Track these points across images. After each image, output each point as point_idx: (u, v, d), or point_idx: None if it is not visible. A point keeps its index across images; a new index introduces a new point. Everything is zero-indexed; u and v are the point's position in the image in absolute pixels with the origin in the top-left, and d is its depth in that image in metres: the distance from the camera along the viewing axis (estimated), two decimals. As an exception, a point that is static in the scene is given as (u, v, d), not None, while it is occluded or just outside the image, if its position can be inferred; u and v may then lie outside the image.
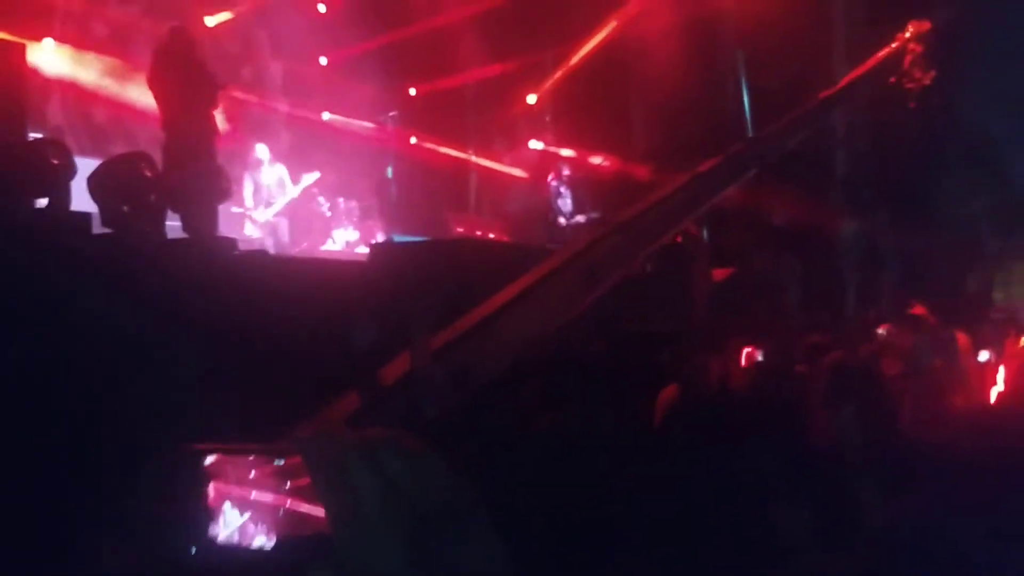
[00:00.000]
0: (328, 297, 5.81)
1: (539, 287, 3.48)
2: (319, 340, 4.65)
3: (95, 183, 6.66)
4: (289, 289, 5.98)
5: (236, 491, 1.67)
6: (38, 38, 10.15)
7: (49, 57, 10.46)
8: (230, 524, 1.69)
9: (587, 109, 12.99)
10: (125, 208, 6.88)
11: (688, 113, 11.40)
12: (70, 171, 6.73)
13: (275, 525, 1.65)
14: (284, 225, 10.87)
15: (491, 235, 12.70)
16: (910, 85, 8.05)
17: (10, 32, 8.39)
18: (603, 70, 12.92)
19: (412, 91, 14.09)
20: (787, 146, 6.15)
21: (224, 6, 12.05)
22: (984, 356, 5.86)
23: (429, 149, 14.01)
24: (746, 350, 7.30)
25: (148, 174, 6.93)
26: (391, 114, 12.40)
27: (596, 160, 12.95)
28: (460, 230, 12.78)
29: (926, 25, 8.18)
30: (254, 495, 1.65)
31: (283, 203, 10.79)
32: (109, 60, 10.98)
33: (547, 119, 14.19)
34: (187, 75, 7.49)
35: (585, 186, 11.60)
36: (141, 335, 4.80)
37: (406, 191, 13.18)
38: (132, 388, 4.43)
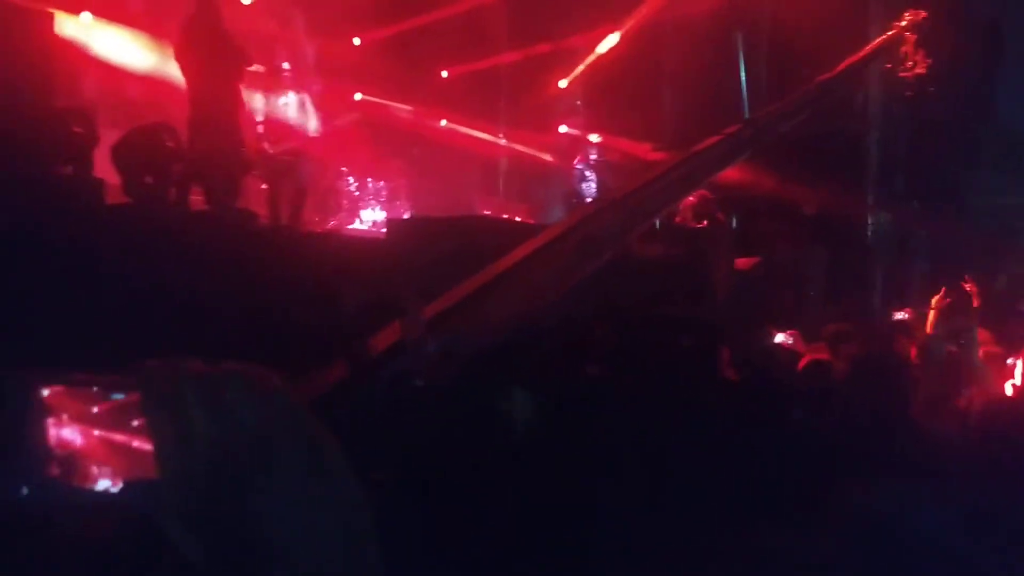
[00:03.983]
0: (343, 270, 5.84)
1: (531, 260, 3.46)
2: (325, 311, 4.67)
3: (117, 154, 6.76)
4: (305, 262, 6.03)
5: (79, 428, 1.59)
6: (76, 11, 10.27)
7: (86, 30, 10.58)
8: (69, 463, 1.62)
9: (618, 94, 12.89)
10: (148, 179, 6.98)
11: (712, 97, 11.29)
12: (93, 140, 6.84)
13: (120, 465, 1.57)
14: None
15: (517, 218, 12.67)
16: (904, 74, 8.27)
17: (46, 3, 8.49)
18: (634, 55, 12.81)
19: (444, 73, 14.07)
20: (782, 128, 6.20)
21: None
22: (1007, 351, 5.74)
23: (459, 132, 14.00)
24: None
25: (171, 145, 7.02)
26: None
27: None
28: (487, 212, 12.76)
29: (922, 14, 8.39)
30: (98, 433, 1.57)
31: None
32: (146, 35, 11.09)
33: (578, 104, 14.11)
34: (213, 48, 7.53)
35: (610, 170, 11.54)
36: (156, 305, 4.86)
37: (434, 173, 13.18)
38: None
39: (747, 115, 9.51)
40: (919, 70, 8.15)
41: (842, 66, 7.72)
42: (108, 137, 7.18)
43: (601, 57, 13.34)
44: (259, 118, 9.74)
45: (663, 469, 4.02)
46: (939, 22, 9.14)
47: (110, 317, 4.70)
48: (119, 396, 1.70)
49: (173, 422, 0.91)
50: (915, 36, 8.23)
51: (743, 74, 11.86)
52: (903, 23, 8.38)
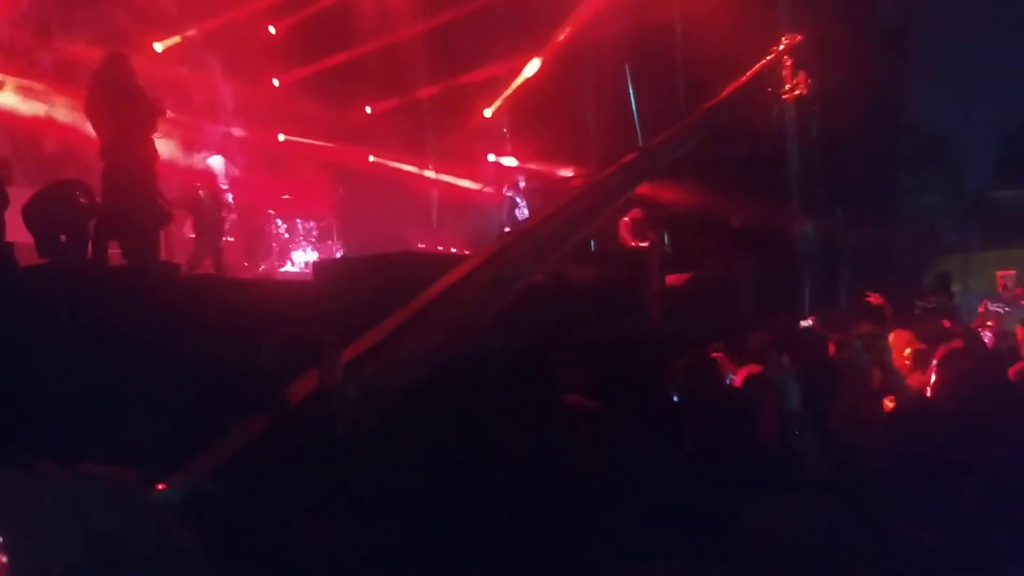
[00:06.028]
0: (268, 315, 5.72)
1: (444, 297, 3.43)
2: (248, 358, 4.57)
3: (28, 213, 6.55)
4: (230, 309, 5.90)
5: None
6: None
7: (-6, 88, 10.35)
8: None
9: (542, 120, 12.99)
10: (62, 237, 6.78)
11: (632, 119, 11.47)
12: (3, 202, 6.63)
13: None
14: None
15: (452, 249, 12.64)
16: (785, 96, 8.59)
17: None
18: (555, 81, 12.93)
19: (368, 109, 14.05)
20: (676, 154, 6.39)
21: (173, 31, 11.98)
22: (922, 350, 5.84)
23: (388, 166, 13.97)
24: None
25: (84, 201, 6.83)
26: None
27: (565, 173, 12.93)
28: (421, 246, 12.72)
29: (798, 38, 8.71)
30: None
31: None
32: (57, 91, 10.87)
33: (504, 132, 14.18)
34: (123, 100, 7.38)
35: (541, 196, 11.59)
36: (78, 362, 4.70)
37: (365, 210, 13.11)
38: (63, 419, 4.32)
39: (640, 143, 9.70)
40: (800, 91, 8.45)
41: (724, 93, 7.97)
42: (25, 196, 6.97)
43: (523, 84, 13.44)
44: (198, 167, 9.81)
45: (607, 492, 3.99)
46: (840, 31, 9.41)
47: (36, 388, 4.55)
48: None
49: (28, 534, 0.89)
50: (792, 59, 8.51)
51: (634, 103, 12.17)
52: (780, 47, 8.67)
